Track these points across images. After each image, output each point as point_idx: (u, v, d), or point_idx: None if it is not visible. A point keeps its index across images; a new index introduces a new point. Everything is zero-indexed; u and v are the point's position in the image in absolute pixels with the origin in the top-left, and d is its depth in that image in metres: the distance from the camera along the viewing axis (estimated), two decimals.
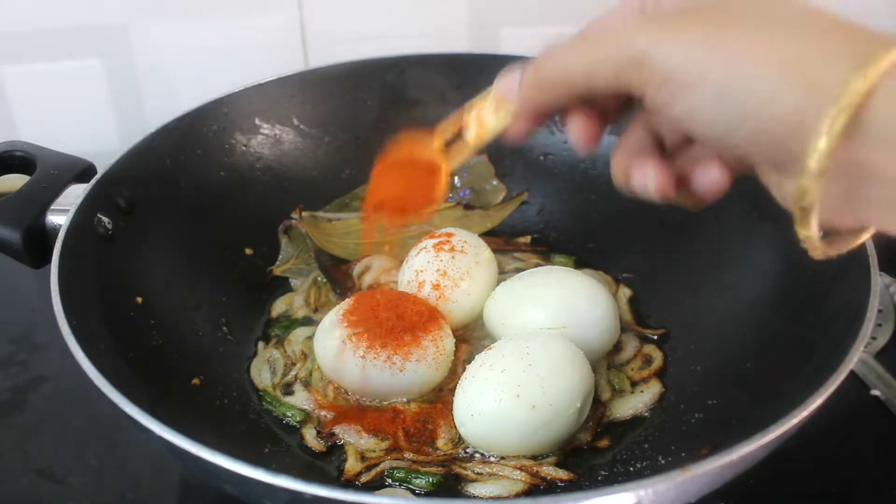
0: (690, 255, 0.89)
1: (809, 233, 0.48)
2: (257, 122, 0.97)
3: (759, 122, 0.46)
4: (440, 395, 0.80)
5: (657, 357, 0.84)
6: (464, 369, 0.77)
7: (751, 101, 0.46)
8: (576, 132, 0.58)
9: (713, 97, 0.47)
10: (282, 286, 0.94)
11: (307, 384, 0.82)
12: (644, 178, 0.56)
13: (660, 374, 0.82)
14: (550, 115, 0.58)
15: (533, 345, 0.73)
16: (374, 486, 0.73)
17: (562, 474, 0.71)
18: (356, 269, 0.95)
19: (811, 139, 0.44)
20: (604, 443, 0.76)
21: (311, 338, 0.85)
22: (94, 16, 1.13)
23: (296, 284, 0.94)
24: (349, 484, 0.73)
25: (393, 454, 0.75)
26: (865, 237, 0.52)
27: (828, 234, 0.50)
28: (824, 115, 0.43)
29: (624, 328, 0.86)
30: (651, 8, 0.53)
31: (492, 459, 0.73)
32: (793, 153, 0.45)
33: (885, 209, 0.46)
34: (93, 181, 0.78)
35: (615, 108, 0.58)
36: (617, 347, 0.84)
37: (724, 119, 0.47)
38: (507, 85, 0.59)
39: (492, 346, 0.76)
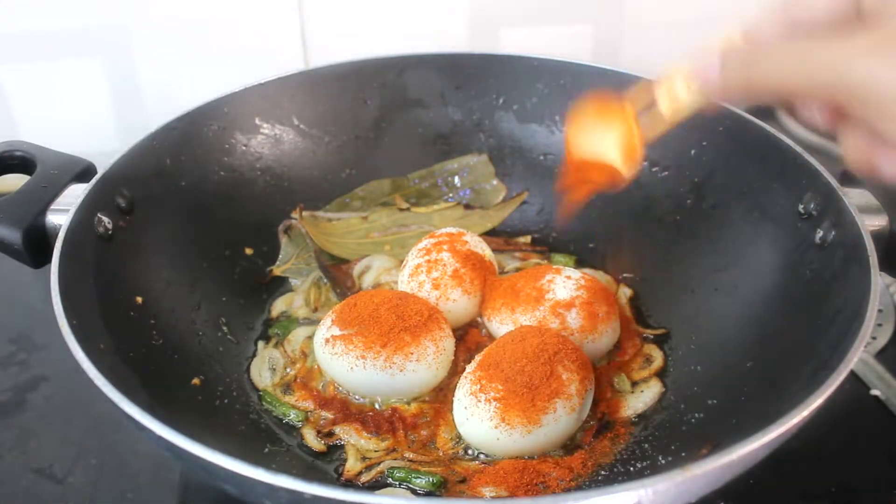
0: (690, 255, 0.89)
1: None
2: (257, 122, 0.97)
3: None
4: (440, 395, 0.80)
5: (657, 357, 0.84)
6: (464, 369, 0.77)
7: None
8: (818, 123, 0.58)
9: None
10: (282, 286, 0.94)
11: (307, 384, 0.82)
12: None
13: (660, 374, 0.82)
14: None
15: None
16: (374, 486, 0.73)
17: (562, 474, 0.71)
18: (356, 269, 0.95)
19: None
20: (604, 443, 0.76)
21: (310, 337, 0.85)
22: (94, 16, 1.13)
23: (296, 284, 0.94)
24: (349, 484, 0.73)
25: (393, 454, 0.75)
26: None
27: None
28: None
29: (624, 328, 0.86)
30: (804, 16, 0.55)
31: (492, 459, 0.73)
32: None
33: None
34: (93, 181, 0.78)
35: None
36: (617, 347, 0.84)
37: None
38: (705, 69, 0.57)
39: (491, 345, 0.76)
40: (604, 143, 0.64)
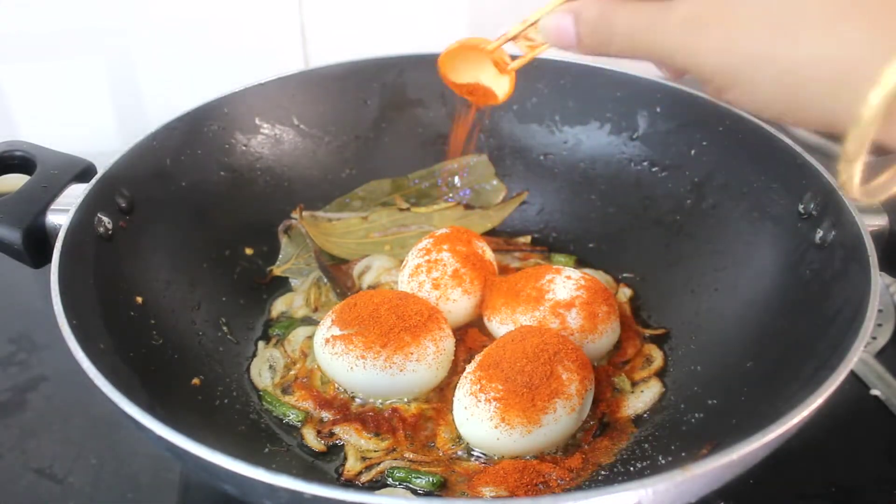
0: (690, 255, 0.89)
1: (851, 173, 0.52)
2: (257, 122, 0.97)
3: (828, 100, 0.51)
4: (440, 395, 0.80)
5: (657, 357, 0.84)
6: (464, 369, 0.77)
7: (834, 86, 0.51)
8: None
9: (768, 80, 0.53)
10: (282, 286, 0.94)
11: (307, 384, 0.82)
12: None
13: (660, 374, 0.82)
14: None
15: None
16: (374, 486, 0.73)
17: (561, 474, 0.71)
18: (356, 269, 0.95)
19: (868, 92, 0.48)
20: (604, 443, 0.76)
21: (311, 337, 0.85)
22: (95, 16, 1.13)
23: (296, 284, 0.94)
24: (349, 484, 0.73)
25: (393, 454, 0.75)
26: None
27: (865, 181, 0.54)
28: (879, 79, 0.47)
29: (624, 328, 0.86)
30: None
31: (492, 459, 0.73)
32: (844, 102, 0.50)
33: None
34: (93, 181, 0.78)
35: None
36: (617, 347, 0.84)
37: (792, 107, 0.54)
38: (560, 28, 0.64)
39: (491, 345, 0.76)
40: (469, 70, 0.78)
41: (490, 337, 0.85)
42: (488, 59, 0.76)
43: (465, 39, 0.76)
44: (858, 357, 0.60)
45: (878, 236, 0.72)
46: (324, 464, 0.75)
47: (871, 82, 0.48)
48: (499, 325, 0.83)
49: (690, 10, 0.55)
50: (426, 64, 1.01)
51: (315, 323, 0.87)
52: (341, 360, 0.77)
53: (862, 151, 0.50)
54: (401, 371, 0.76)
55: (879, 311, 0.93)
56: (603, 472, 0.73)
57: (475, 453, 0.74)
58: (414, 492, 0.72)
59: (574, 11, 0.62)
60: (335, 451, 0.76)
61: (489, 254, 0.90)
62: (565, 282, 0.82)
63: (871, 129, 0.48)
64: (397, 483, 0.72)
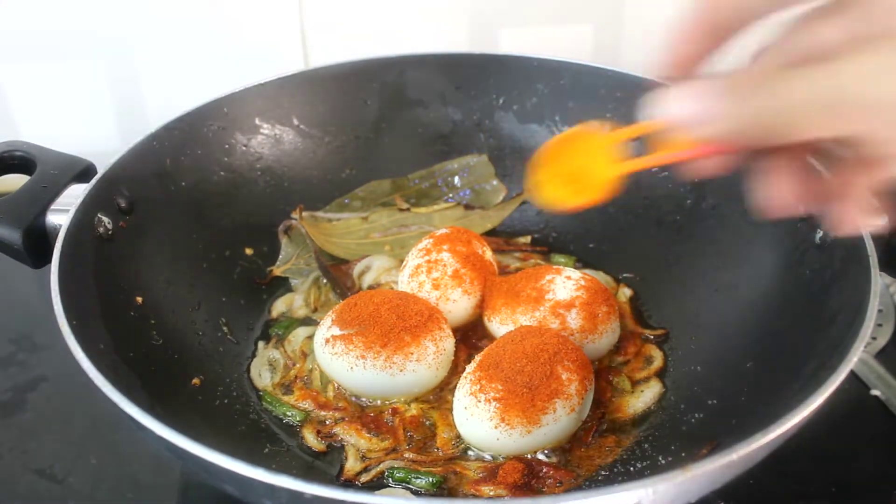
0: (690, 255, 0.89)
1: None
2: (257, 122, 0.97)
3: None
4: (440, 395, 0.80)
5: (657, 357, 0.84)
6: (464, 369, 0.77)
7: None
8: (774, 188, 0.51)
9: None
10: (282, 286, 0.94)
11: (307, 384, 0.82)
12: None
13: (660, 374, 0.82)
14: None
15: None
16: (374, 486, 0.73)
17: (562, 474, 0.71)
18: (356, 269, 0.95)
19: None
20: (604, 443, 0.76)
21: (311, 337, 0.85)
22: (95, 16, 1.13)
23: (296, 284, 0.94)
24: (349, 484, 0.73)
25: (393, 454, 0.75)
26: None
27: None
28: None
29: (624, 328, 0.86)
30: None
31: (492, 459, 0.73)
32: None
33: None
34: (93, 181, 0.78)
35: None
36: (617, 347, 0.84)
37: None
38: (687, 108, 0.46)
39: (491, 345, 0.77)
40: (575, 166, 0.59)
41: (490, 337, 0.85)
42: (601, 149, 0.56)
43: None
44: (858, 357, 0.60)
45: (878, 236, 0.72)
46: (324, 464, 0.75)
47: None
48: (499, 325, 0.83)
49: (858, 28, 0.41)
50: (426, 64, 1.01)
51: (315, 323, 0.87)
52: (341, 360, 0.77)
53: None
54: (401, 371, 0.76)
55: (879, 311, 0.93)
56: (603, 472, 0.73)
57: (475, 453, 0.74)
58: (414, 492, 0.71)
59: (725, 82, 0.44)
60: (335, 451, 0.76)
61: (489, 254, 0.90)
62: (565, 282, 0.82)
63: None
64: (397, 483, 0.72)
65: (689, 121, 0.45)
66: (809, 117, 0.42)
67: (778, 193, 0.50)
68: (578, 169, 0.56)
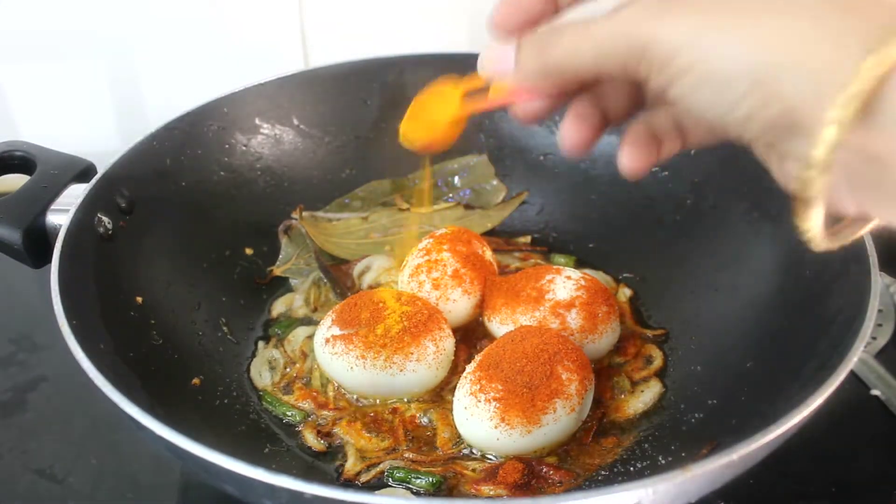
0: (690, 255, 0.89)
1: (810, 224, 0.46)
2: (257, 122, 0.97)
3: (760, 107, 0.44)
4: (440, 395, 0.80)
5: (657, 357, 0.84)
6: (464, 369, 0.77)
7: (750, 86, 0.44)
8: (570, 131, 0.58)
9: (706, 80, 0.46)
10: (282, 286, 0.94)
11: (307, 384, 0.82)
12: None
13: (660, 374, 0.82)
14: (555, 97, 0.57)
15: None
16: (374, 486, 0.73)
17: (562, 474, 0.71)
18: (356, 269, 0.95)
19: (818, 128, 0.41)
20: (604, 443, 0.76)
21: (311, 337, 0.85)
22: (95, 16, 1.13)
23: (296, 284, 0.94)
24: (349, 484, 0.73)
25: (393, 454, 0.75)
26: (866, 229, 0.50)
27: (827, 226, 0.48)
28: (833, 103, 0.40)
29: (624, 328, 0.86)
30: None
31: (491, 459, 0.73)
32: (796, 139, 0.43)
33: (892, 200, 0.43)
34: (93, 181, 0.78)
35: (620, 103, 0.58)
36: (617, 347, 0.84)
37: (721, 102, 0.46)
38: (500, 59, 0.56)
39: (491, 345, 0.77)
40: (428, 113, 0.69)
41: (490, 337, 0.85)
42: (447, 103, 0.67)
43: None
44: (858, 357, 0.60)
45: (877, 236, 0.72)
46: (324, 464, 0.75)
47: (841, 80, 0.40)
48: (499, 325, 0.83)
49: None
50: (426, 64, 1.01)
51: (315, 323, 0.87)
52: (341, 360, 0.77)
53: (828, 170, 0.41)
54: (401, 371, 0.76)
55: (879, 311, 0.93)
56: (603, 472, 0.73)
57: (475, 453, 0.74)
58: (414, 492, 0.71)
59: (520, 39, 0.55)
60: (335, 451, 0.76)
61: (489, 254, 0.90)
62: (565, 282, 0.82)
63: (840, 139, 0.40)
64: (397, 483, 0.72)
65: (497, 73, 0.56)
66: (571, 60, 0.51)
67: (578, 132, 0.58)
68: (432, 114, 0.68)
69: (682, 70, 0.47)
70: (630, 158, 0.58)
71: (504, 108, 0.59)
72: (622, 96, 0.59)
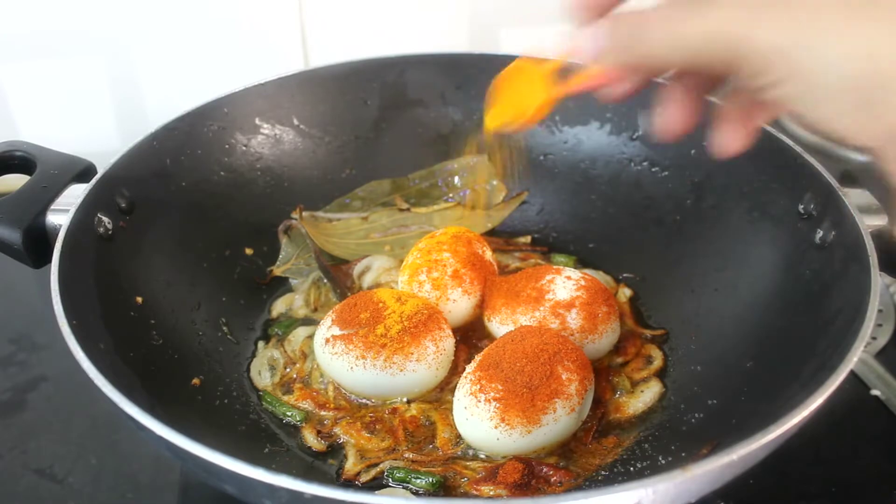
0: (690, 255, 0.89)
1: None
2: (257, 122, 0.97)
3: (869, 120, 0.45)
4: (440, 395, 0.80)
5: (657, 357, 0.84)
6: (464, 369, 0.77)
7: (858, 101, 0.44)
8: (672, 116, 0.59)
9: (810, 90, 0.46)
10: (282, 286, 0.94)
11: (307, 384, 0.82)
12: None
13: (660, 374, 0.82)
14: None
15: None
16: (374, 486, 0.73)
17: (562, 474, 0.71)
18: (356, 269, 0.95)
19: None
20: (604, 443, 0.76)
21: (311, 337, 0.85)
22: (95, 16, 1.13)
23: (296, 284, 0.94)
24: (349, 484, 0.73)
25: (393, 454, 0.75)
26: None
27: None
28: None
29: (624, 328, 0.86)
30: None
31: (491, 459, 0.73)
32: None
33: None
34: (93, 181, 0.78)
35: (710, 82, 0.58)
36: (617, 347, 0.84)
37: (827, 112, 0.47)
38: (588, 43, 0.57)
39: (491, 345, 0.77)
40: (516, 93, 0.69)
41: (490, 337, 0.85)
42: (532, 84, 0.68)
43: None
44: (858, 357, 0.60)
45: (877, 236, 0.72)
46: (324, 464, 0.75)
47: None
48: (499, 325, 0.83)
49: None
50: (426, 64, 1.01)
51: (315, 323, 0.87)
52: (341, 360, 0.77)
53: None
54: (401, 371, 0.76)
55: (879, 311, 0.93)
56: (603, 472, 0.73)
57: (475, 453, 0.74)
58: (414, 492, 0.71)
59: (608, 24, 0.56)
60: (335, 451, 0.76)
61: (489, 254, 0.90)
62: (565, 282, 0.82)
63: None
64: (397, 483, 0.72)
65: (588, 56, 0.57)
66: (664, 54, 0.52)
67: (670, 117, 0.59)
68: (522, 98, 0.68)
69: (782, 77, 0.47)
70: (728, 138, 0.58)
71: (591, 90, 0.60)
72: (710, 78, 0.58)
